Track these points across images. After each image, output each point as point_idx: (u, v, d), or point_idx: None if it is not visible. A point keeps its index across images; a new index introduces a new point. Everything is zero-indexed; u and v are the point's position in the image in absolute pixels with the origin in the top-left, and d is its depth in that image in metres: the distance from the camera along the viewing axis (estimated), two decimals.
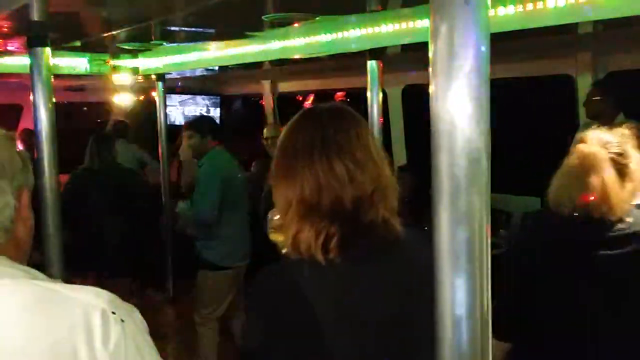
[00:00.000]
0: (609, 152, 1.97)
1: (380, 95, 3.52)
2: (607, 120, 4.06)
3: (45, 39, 2.30)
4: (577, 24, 4.02)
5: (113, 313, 1.04)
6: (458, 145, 0.89)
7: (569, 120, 4.55)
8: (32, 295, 1.03)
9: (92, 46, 4.31)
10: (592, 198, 1.94)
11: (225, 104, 8.06)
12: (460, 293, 0.91)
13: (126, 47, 4.47)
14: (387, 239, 1.32)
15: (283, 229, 1.36)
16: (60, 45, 3.74)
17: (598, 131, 2.05)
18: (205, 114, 7.64)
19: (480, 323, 0.93)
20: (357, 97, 5.49)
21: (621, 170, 1.97)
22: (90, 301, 1.04)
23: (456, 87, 0.88)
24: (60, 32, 2.76)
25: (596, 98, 4.17)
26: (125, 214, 4.85)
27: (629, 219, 1.94)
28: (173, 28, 3.72)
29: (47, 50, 2.33)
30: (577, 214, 1.97)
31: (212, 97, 7.71)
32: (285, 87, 7.18)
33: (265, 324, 1.26)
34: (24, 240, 1.15)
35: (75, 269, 5.09)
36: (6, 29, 2.64)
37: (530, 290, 2.02)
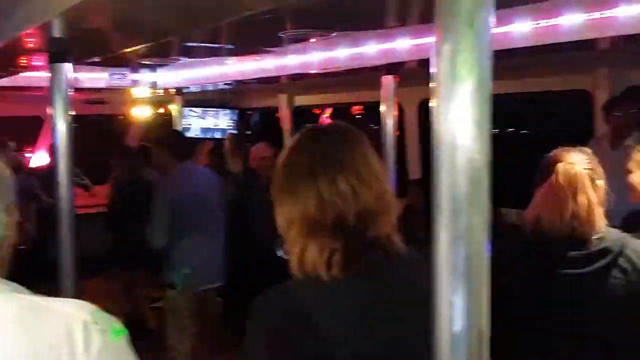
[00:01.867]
0: (584, 169, 2.02)
1: (395, 109, 3.55)
2: (619, 137, 4.06)
3: (66, 55, 2.36)
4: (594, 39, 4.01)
5: (95, 324, 1.06)
6: (459, 166, 0.90)
7: (586, 135, 4.53)
8: (16, 308, 1.06)
9: (112, 61, 4.38)
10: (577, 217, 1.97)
11: (243, 117, 8.12)
12: (459, 311, 0.92)
13: (145, 62, 4.54)
14: (389, 254, 1.33)
15: (287, 250, 1.37)
16: (81, 61, 3.81)
17: (575, 151, 2.09)
18: (226, 126, 7.71)
19: (479, 342, 0.94)
20: (374, 111, 5.51)
21: (597, 189, 2.02)
22: (73, 313, 1.07)
23: (458, 107, 0.90)
24: (80, 48, 2.82)
25: (616, 113, 4.14)
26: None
27: (599, 235, 1.99)
28: (191, 44, 3.78)
29: (68, 66, 2.39)
30: (560, 234, 1.99)
31: (230, 110, 7.78)
32: (301, 100, 7.23)
33: (268, 344, 1.26)
34: (6, 257, 1.17)
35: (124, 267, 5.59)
36: (28, 45, 2.70)
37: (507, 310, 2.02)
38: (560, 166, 2.04)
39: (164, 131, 4.96)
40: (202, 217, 4.20)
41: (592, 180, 2.01)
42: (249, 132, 8.93)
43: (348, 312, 1.27)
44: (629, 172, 2.58)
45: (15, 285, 1.13)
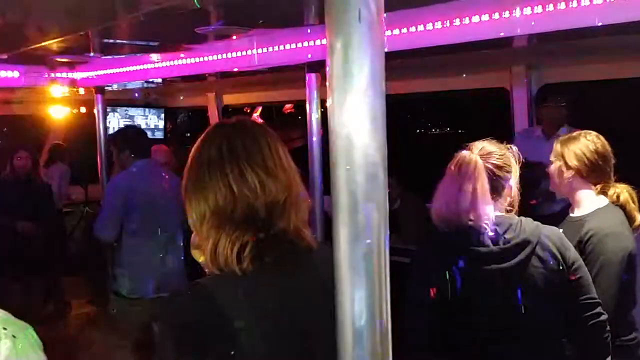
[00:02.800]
0: (488, 162, 2.01)
1: (316, 106, 3.56)
2: (552, 127, 4.26)
3: None
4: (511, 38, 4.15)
5: (4, 329, 1.04)
6: (355, 161, 0.90)
7: (506, 131, 4.68)
8: None
9: (26, 58, 4.20)
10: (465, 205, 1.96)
11: (170, 116, 7.97)
12: (360, 307, 0.92)
13: (62, 60, 4.37)
14: (298, 247, 1.35)
15: (200, 243, 1.36)
16: None
17: (485, 142, 2.09)
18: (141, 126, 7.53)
19: (380, 335, 0.94)
20: (304, 109, 5.50)
21: (496, 182, 2.02)
22: None
23: (352, 103, 0.89)
24: None
25: (548, 105, 4.33)
26: None
27: (514, 228, 1.99)
28: (110, 40, 3.66)
29: None
30: (456, 225, 1.99)
31: (156, 109, 7.62)
32: (229, 99, 7.16)
33: (177, 342, 1.23)
34: None
35: None
36: None
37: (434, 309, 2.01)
38: (460, 153, 2.05)
39: (119, 131, 4.80)
40: (154, 218, 3.98)
41: (493, 173, 2.00)
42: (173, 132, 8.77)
43: (259, 305, 1.26)
44: (550, 162, 2.65)
45: None
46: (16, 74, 4.74)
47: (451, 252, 2.00)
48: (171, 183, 4.12)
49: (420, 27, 2.77)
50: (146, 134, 4.50)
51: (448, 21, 2.71)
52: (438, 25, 2.74)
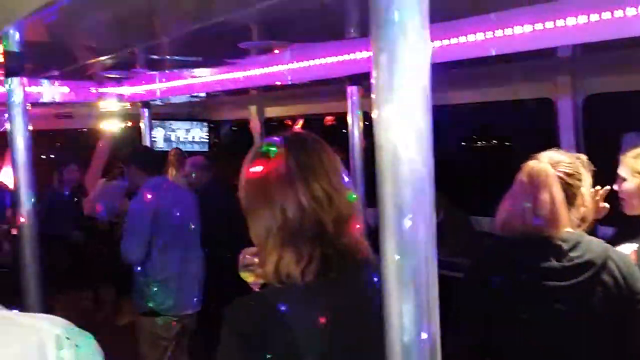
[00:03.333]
0: (558, 171, 1.96)
1: (357, 119, 3.57)
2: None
3: (21, 69, 2.32)
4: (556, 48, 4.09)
5: (67, 339, 1.05)
6: (402, 175, 0.91)
7: (552, 143, 4.59)
8: None
9: (76, 74, 4.33)
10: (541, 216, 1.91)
11: (213, 129, 8.08)
12: (408, 320, 0.92)
13: (110, 75, 4.50)
14: (359, 262, 1.36)
15: (262, 259, 1.37)
16: (39, 74, 3.76)
17: (552, 151, 2.04)
18: (193, 139, 7.68)
19: (429, 350, 0.93)
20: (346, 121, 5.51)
21: (569, 191, 1.96)
22: (45, 327, 1.06)
23: (398, 117, 0.90)
24: (36, 62, 2.78)
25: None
26: None
27: (581, 246, 1.91)
28: (155, 56, 3.75)
29: (23, 79, 2.35)
30: (526, 236, 1.93)
31: (200, 122, 7.74)
32: (271, 112, 7.22)
33: (240, 348, 1.26)
34: None
35: None
36: None
37: (486, 320, 1.97)
38: (528, 163, 2.00)
39: (134, 150, 4.76)
40: (176, 234, 3.98)
41: (564, 182, 1.95)
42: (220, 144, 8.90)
43: (319, 316, 1.28)
44: (621, 179, 2.44)
45: None
46: (66, 89, 4.90)
47: (511, 264, 1.95)
48: (190, 198, 4.20)
49: (463, 39, 2.75)
50: (158, 152, 4.44)
51: (492, 32, 2.69)
52: (481, 36, 2.72)
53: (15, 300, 1.34)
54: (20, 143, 2.42)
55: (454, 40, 2.80)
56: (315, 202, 1.31)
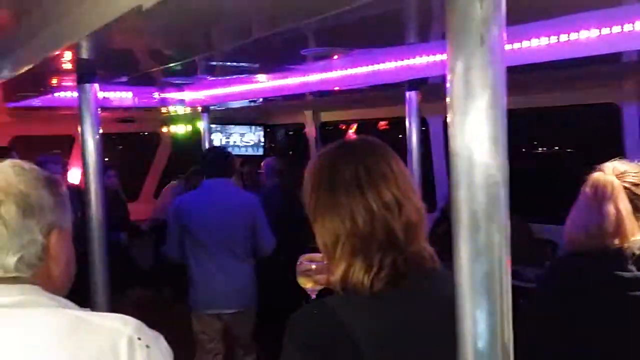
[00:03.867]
0: (623, 182, 1.93)
1: (416, 124, 3.55)
2: None
3: (93, 75, 2.42)
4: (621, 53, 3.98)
5: (139, 339, 1.09)
6: (476, 181, 0.91)
7: (616, 148, 4.46)
8: (63, 322, 1.10)
9: (139, 80, 4.47)
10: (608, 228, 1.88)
11: (269, 133, 8.19)
12: (481, 327, 0.92)
13: (172, 81, 4.62)
14: (426, 269, 1.33)
15: (330, 267, 1.35)
16: (108, 81, 3.89)
17: (616, 161, 2.00)
18: (249, 143, 7.81)
19: (503, 357, 0.93)
20: (400, 126, 5.49)
21: (636, 201, 1.92)
22: (118, 328, 1.10)
23: (473, 124, 0.90)
24: (107, 68, 2.89)
25: None
26: None
27: None
28: (217, 63, 3.83)
29: (95, 86, 2.45)
30: (593, 248, 1.90)
31: (256, 127, 7.86)
32: (327, 116, 7.26)
33: (303, 356, 1.24)
34: (59, 277, 1.21)
35: None
36: (57, 66, 2.78)
37: (555, 331, 1.94)
38: (593, 175, 1.98)
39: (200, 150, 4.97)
40: (216, 237, 4.06)
41: (631, 192, 1.91)
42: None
43: (386, 326, 1.26)
44: None
45: (61, 300, 1.16)
46: (130, 94, 5.07)
47: (581, 276, 1.91)
48: (241, 200, 4.23)
49: (527, 43, 2.71)
50: (223, 154, 4.41)
51: (556, 37, 2.64)
52: (545, 41, 2.68)
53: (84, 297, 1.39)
54: (90, 146, 2.52)
55: (516, 45, 2.77)
56: (386, 209, 1.29)
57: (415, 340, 1.27)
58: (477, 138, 0.90)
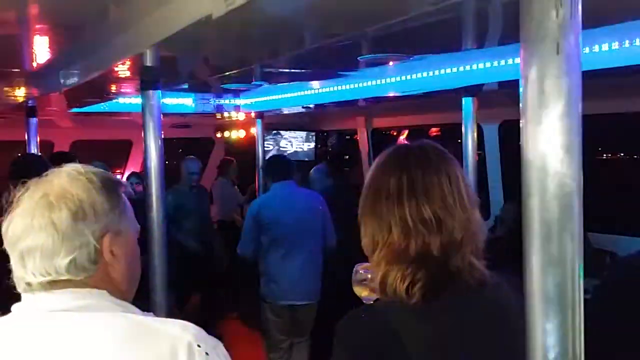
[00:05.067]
0: None
1: (472, 131, 3.51)
2: None
3: (157, 82, 2.48)
4: None
5: (198, 346, 1.11)
6: (549, 190, 0.90)
7: None
8: (124, 327, 1.12)
9: (197, 87, 4.57)
10: None
11: (320, 139, 8.23)
12: (552, 338, 0.91)
13: (229, 88, 4.71)
14: (471, 284, 1.28)
15: (371, 266, 1.36)
16: (169, 88, 4.00)
17: None
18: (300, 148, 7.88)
19: None
20: (452, 133, 5.44)
21: None
22: (177, 334, 1.12)
23: (547, 132, 0.89)
24: (169, 76, 2.97)
25: None
26: None
27: None
28: (272, 70, 3.88)
29: (158, 92, 2.52)
30: None
31: (307, 132, 7.92)
32: (379, 122, 7.25)
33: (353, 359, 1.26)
34: (121, 281, 1.23)
35: None
36: (122, 74, 2.87)
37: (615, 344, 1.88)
38: None
39: (268, 159, 5.34)
40: (290, 234, 4.40)
41: None
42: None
43: (433, 334, 1.25)
44: None
45: (125, 304, 1.20)
46: (190, 100, 5.19)
47: None
48: (310, 198, 4.62)
49: (596, 48, 2.65)
50: (285, 159, 4.90)
51: (627, 41, 2.57)
52: (616, 45, 2.61)
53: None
54: (153, 150, 2.58)
55: (585, 49, 2.70)
56: (423, 224, 1.26)
57: (460, 349, 1.25)
58: (550, 147, 0.89)
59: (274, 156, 5.68)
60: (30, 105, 4.44)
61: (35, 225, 1.13)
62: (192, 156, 5.92)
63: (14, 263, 1.16)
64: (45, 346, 1.10)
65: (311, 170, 5.88)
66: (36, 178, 1.21)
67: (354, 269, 1.77)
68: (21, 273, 1.16)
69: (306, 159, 7.79)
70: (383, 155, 1.40)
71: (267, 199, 4.64)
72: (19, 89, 4.15)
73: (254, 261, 4.56)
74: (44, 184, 1.19)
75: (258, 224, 4.44)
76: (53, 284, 1.15)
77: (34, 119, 4.48)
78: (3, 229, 1.18)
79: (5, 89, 4.27)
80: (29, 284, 1.16)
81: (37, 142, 4.46)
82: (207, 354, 1.11)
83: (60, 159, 4.05)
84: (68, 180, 1.19)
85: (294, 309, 4.48)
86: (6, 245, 1.17)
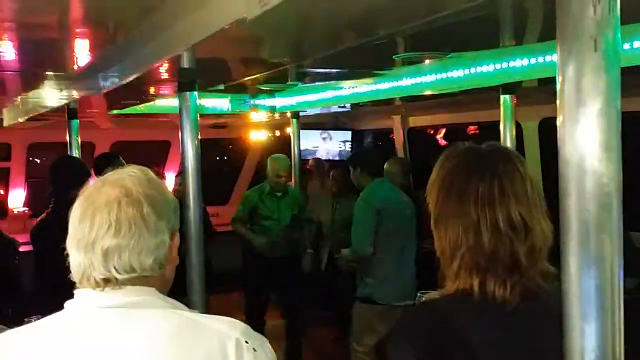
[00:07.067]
0: None
1: (510, 129, 3.46)
2: None
3: (194, 84, 2.52)
4: None
5: (246, 342, 1.13)
6: (587, 190, 0.88)
7: None
8: (175, 324, 1.15)
9: (233, 87, 4.61)
10: None
11: (356, 138, 8.21)
12: (590, 341, 0.89)
13: (264, 88, 4.73)
14: (543, 290, 1.27)
15: (443, 274, 1.33)
16: (206, 89, 4.04)
17: None
18: (339, 149, 7.87)
19: None
20: (489, 130, 5.35)
21: None
22: (226, 331, 1.14)
23: (585, 131, 0.88)
24: (206, 77, 3.00)
25: None
26: None
27: None
28: (307, 70, 3.89)
29: (195, 93, 2.55)
30: None
31: (344, 131, 7.91)
32: (415, 121, 7.20)
33: (416, 354, 1.24)
34: (169, 280, 1.26)
35: None
36: (159, 76, 2.91)
37: None
38: None
39: (355, 152, 5.29)
40: (395, 232, 4.27)
41: None
42: None
43: (499, 336, 1.24)
44: None
45: (174, 302, 1.22)
46: (226, 100, 5.24)
47: None
48: (405, 195, 4.49)
49: (636, 44, 2.58)
50: (378, 152, 4.74)
51: None
52: None
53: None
54: (190, 151, 2.62)
55: (625, 45, 2.64)
56: (512, 230, 1.24)
57: (529, 355, 1.25)
58: (588, 145, 0.88)
59: (366, 151, 5.67)
60: (71, 107, 4.54)
61: (122, 220, 1.14)
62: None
63: (88, 258, 1.15)
64: (100, 342, 1.12)
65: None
66: (102, 177, 1.23)
67: (417, 295, 1.77)
68: (98, 268, 1.14)
69: (344, 159, 7.77)
70: (453, 157, 1.37)
71: (381, 195, 4.31)
72: (60, 91, 4.25)
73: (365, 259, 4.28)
74: (116, 182, 1.20)
75: (379, 222, 4.18)
76: (130, 281, 1.16)
77: (75, 120, 4.58)
78: (76, 224, 1.17)
79: (48, 91, 4.39)
80: (106, 280, 1.14)
81: (78, 143, 4.56)
82: (255, 350, 1.13)
83: (107, 160, 4.16)
84: (146, 180, 1.22)
85: (396, 310, 4.13)
86: (79, 240, 1.16)
